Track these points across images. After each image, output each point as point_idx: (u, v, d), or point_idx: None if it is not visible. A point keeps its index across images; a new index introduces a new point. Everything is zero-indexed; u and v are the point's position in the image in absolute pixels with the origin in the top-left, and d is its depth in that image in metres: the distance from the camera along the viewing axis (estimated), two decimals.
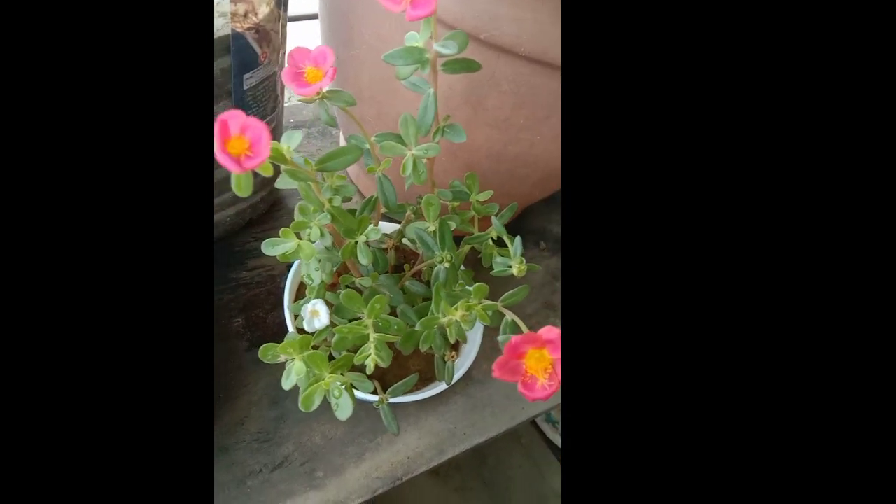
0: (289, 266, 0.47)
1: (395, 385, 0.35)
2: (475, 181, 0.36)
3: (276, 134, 0.45)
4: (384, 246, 0.40)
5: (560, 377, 0.25)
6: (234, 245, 0.47)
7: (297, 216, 0.31)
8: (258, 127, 0.20)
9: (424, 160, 0.32)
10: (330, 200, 0.29)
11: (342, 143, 0.55)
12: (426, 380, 0.42)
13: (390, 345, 0.39)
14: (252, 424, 0.41)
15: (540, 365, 0.25)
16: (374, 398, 0.35)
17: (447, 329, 0.30)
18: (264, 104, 0.38)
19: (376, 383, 0.37)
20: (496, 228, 0.34)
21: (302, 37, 0.54)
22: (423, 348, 0.32)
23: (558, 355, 0.25)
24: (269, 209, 0.49)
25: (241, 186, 0.21)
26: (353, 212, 0.34)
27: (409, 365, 0.42)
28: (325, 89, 0.28)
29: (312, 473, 0.40)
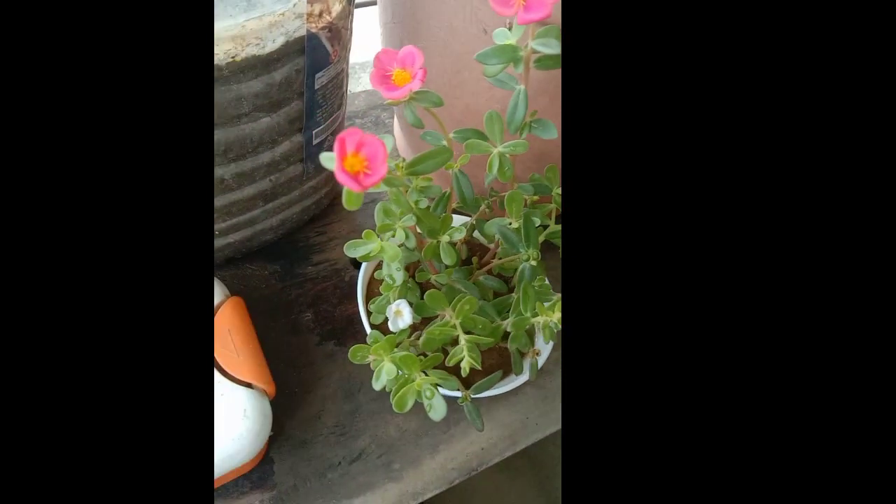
0: (352, 259, 0.47)
1: (480, 382, 0.35)
2: (555, 174, 0.36)
3: (341, 128, 0.45)
4: (455, 240, 0.40)
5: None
6: (297, 241, 0.48)
7: (379, 219, 0.31)
8: (374, 144, 0.19)
9: (509, 157, 0.31)
10: (416, 203, 0.29)
11: (396, 131, 0.55)
12: (505, 374, 0.42)
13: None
14: (328, 418, 0.41)
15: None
16: (458, 394, 0.35)
17: (542, 330, 0.30)
18: (332, 101, 0.38)
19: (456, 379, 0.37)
20: None
21: (358, 25, 0.54)
22: (512, 348, 0.32)
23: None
24: (331, 203, 0.48)
25: (351, 202, 0.21)
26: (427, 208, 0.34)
27: (484, 358, 0.42)
28: (414, 93, 0.27)
29: (390, 465, 0.40)
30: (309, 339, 0.44)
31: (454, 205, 0.36)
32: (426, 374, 0.31)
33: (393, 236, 0.31)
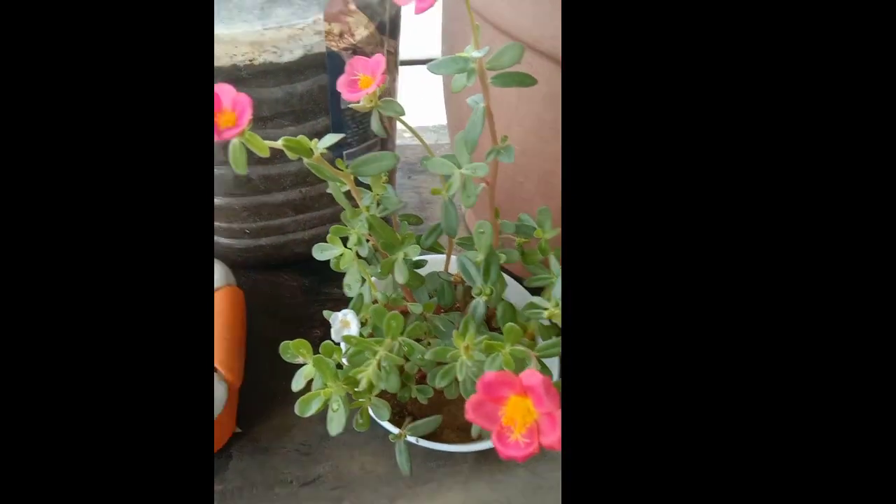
0: None
1: (416, 423, 0.32)
2: (548, 217, 0.33)
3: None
4: (453, 279, 0.38)
5: (546, 438, 0.20)
6: None
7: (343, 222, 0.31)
8: (244, 103, 0.20)
9: (479, 183, 0.30)
10: (367, 208, 0.29)
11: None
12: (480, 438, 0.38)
13: (436, 389, 0.36)
14: (298, 434, 0.41)
15: (521, 417, 0.21)
16: (394, 429, 0.32)
17: (457, 368, 0.27)
18: (366, 126, 0.40)
19: (408, 421, 0.35)
20: (553, 269, 0.30)
21: (417, 81, 0.56)
22: (440, 384, 0.29)
23: (543, 410, 0.20)
24: None
25: (236, 160, 0.22)
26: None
27: (459, 415, 0.39)
28: (380, 100, 0.28)
29: (339, 501, 0.38)
30: None
31: (456, 240, 0.35)
32: (353, 390, 0.29)
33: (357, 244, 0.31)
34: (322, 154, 0.26)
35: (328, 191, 0.30)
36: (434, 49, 0.49)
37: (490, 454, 0.41)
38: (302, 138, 0.25)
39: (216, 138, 0.20)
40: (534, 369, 0.20)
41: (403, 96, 0.47)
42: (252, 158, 0.38)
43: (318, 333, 0.46)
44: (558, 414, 0.20)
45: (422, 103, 0.57)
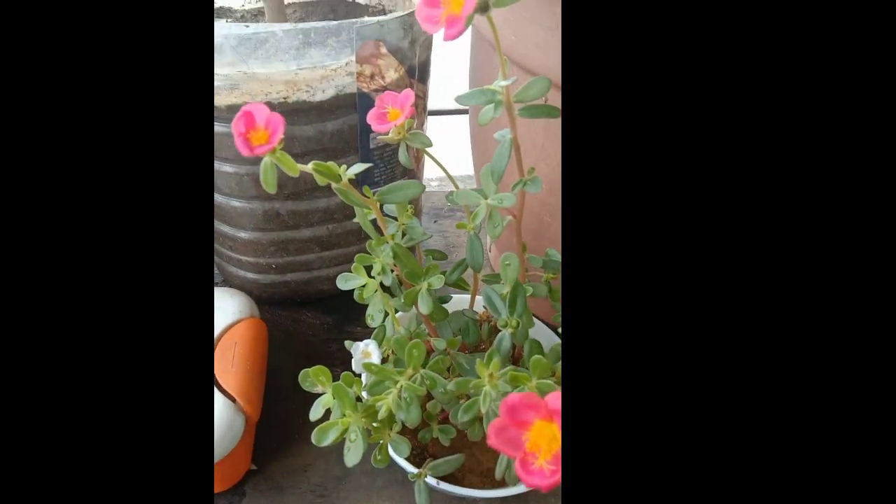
0: None
1: (438, 461, 0.31)
2: None
3: (416, 207, 0.48)
4: (478, 318, 0.38)
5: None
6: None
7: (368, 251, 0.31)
8: (277, 122, 0.21)
9: (506, 215, 0.30)
10: (393, 237, 0.29)
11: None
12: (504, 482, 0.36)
13: (461, 430, 0.35)
14: (314, 475, 0.39)
15: (546, 443, 0.20)
16: (412, 469, 0.31)
17: (483, 398, 0.26)
18: (393, 167, 0.41)
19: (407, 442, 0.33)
20: None
21: (445, 131, 0.58)
22: (463, 419, 0.28)
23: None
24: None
25: (267, 179, 0.22)
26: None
27: (484, 459, 0.37)
28: (408, 133, 0.29)
29: None
30: None
31: (482, 277, 0.35)
32: (374, 424, 0.29)
33: (380, 273, 0.31)
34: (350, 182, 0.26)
35: (355, 222, 0.30)
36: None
37: (514, 501, 0.39)
38: (331, 164, 0.25)
39: (248, 153, 0.21)
40: (559, 392, 0.19)
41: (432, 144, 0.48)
42: (281, 194, 0.39)
43: (339, 371, 0.45)
44: None
45: (449, 153, 0.59)
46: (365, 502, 0.38)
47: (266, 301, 0.47)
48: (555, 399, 0.19)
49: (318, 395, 0.35)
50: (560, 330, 0.32)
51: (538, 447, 0.20)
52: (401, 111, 0.28)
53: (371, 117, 0.29)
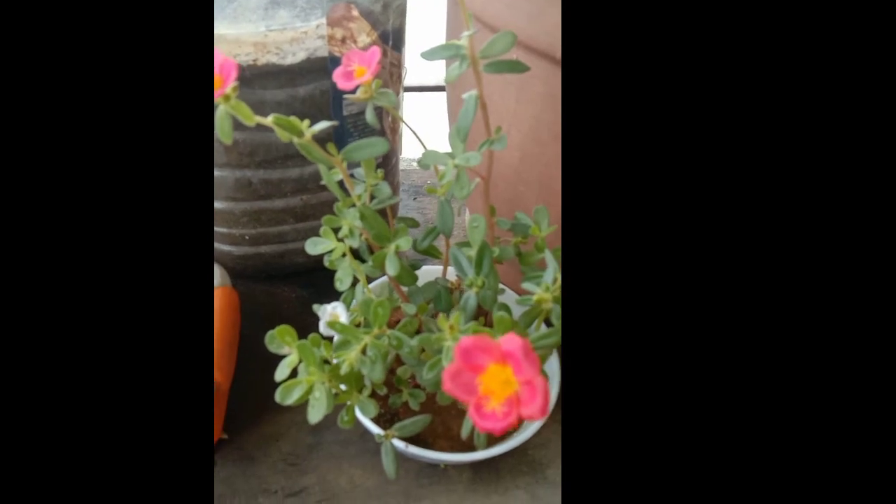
0: None
1: (405, 421, 0.31)
2: (544, 215, 0.33)
3: (391, 173, 0.47)
4: (450, 285, 0.38)
5: (526, 408, 0.19)
6: (333, 274, 0.49)
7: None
8: (231, 65, 0.21)
9: (474, 177, 0.30)
10: (359, 198, 0.29)
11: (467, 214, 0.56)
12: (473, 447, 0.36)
13: (431, 395, 0.35)
14: (286, 444, 0.39)
15: (499, 386, 0.20)
16: (378, 431, 0.31)
17: (444, 354, 0.26)
18: (367, 135, 0.40)
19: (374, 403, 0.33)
20: (548, 262, 0.30)
21: (426, 108, 0.58)
22: (427, 376, 0.28)
23: (523, 378, 0.19)
24: None
25: (222, 129, 0.22)
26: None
27: (452, 425, 0.37)
28: (375, 91, 0.29)
29: None
30: None
31: (454, 244, 0.34)
32: (333, 383, 0.29)
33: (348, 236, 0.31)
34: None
35: (330, 192, 0.30)
36: (442, 76, 0.50)
37: (486, 475, 0.39)
38: (293, 118, 0.25)
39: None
40: (514, 333, 0.19)
41: (410, 122, 0.48)
42: (253, 162, 0.39)
43: None
44: (539, 381, 0.19)
45: (428, 130, 0.58)
46: (336, 471, 0.38)
47: (240, 274, 0.46)
48: (508, 341, 0.19)
49: None
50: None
51: (492, 391, 0.20)
52: (367, 68, 0.28)
53: (337, 76, 0.29)
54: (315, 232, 0.45)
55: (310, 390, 0.27)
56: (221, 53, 0.21)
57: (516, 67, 0.26)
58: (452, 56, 0.26)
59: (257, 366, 0.42)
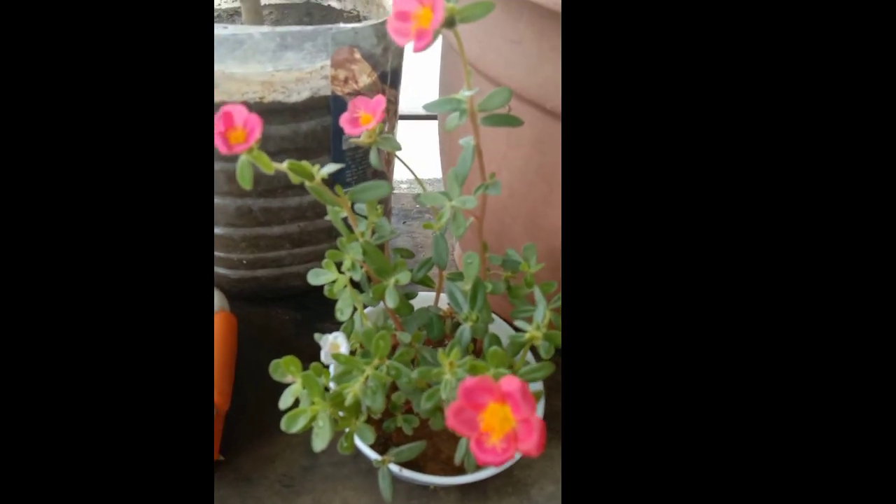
0: None
1: (402, 448, 0.33)
2: (533, 252, 0.35)
3: (386, 207, 0.49)
4: (442, 314, 0.39)
5: (524, 444, 0.21)
6: (327, 298, 0.51)
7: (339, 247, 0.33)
8: (255, 122, 0.22)
9: (469, 216, 0.32)
10: (362, 234, 0.31)
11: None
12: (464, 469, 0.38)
13: (423, 420, 0.36)
14: (281, 465, 0.40)
15: (499, 423, 0.21)
16: (375, 456, 0.33)
17: (442, 387, 0.28)
18: (363, 168, 0.42)
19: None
20: (537, 299, 0.32)
21: (415, 136, 0.60)
22: (425, 406, 0.29)
23: (521, 416, 0.21)
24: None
25: (243, 176, 0.24)
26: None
27: (444, 449, 0.39)
28: (379, 136, 0.31)
29: None
30: None
31: (446, 275, 0.36)
32: (339, 412, 0.30)
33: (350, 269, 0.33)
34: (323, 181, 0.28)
35: (326, 220, 0.32)
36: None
37: (473, 496, 0.40)
38: (305, 163, 0.27)
39: (226, 151, 0.22)
40: (513, 376, 0.21)
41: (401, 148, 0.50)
42: (254, 191, 0.40)
43: (308, 365, 0.46)
44: (535, 420, 0.21)
45: (419, 156, 0.61)
46: (331, 492, 0.40)
47: (236, 296, 0.48)
48: (508, 383, 0.21)
49: (286, 386, 0.37)
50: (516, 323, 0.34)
51: (492, 427, 0.21)
52: (372, 116, 0.30)
53: (344, 121, 0.31)
54: (311, 257, 0.47)
55: (313, 419, 0.29)
56: (242, 107, 0.23)
57: (512, 122, 0.29)
58: (454, 109, 0.28)
59: (253, 387, 0.43)
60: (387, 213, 0.52)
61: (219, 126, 0.22)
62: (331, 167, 0.28)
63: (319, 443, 0.28)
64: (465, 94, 0.27)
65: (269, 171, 0.24)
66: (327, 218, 0.32)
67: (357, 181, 0.43)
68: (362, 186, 0.29)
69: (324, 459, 0.41)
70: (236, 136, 0.22)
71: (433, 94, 0.48)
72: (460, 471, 0.36)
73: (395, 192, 0.64)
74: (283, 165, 0.26)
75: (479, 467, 0.36)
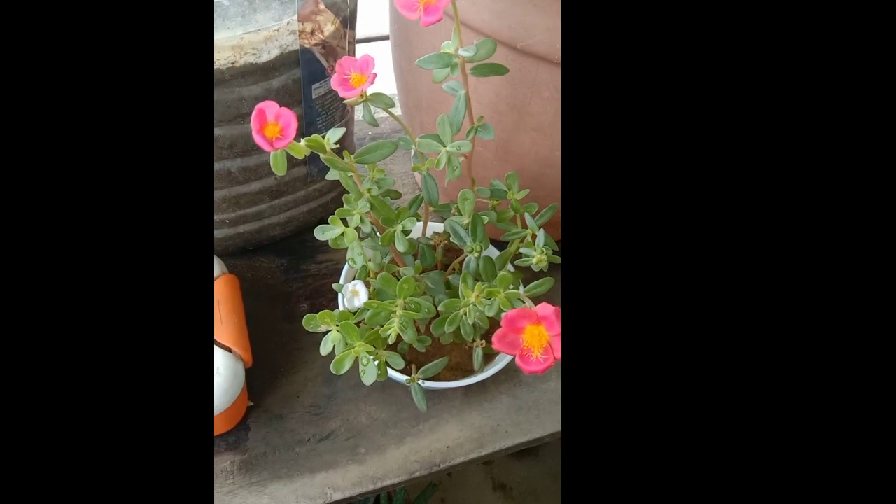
0: None
1: (427, 366, 0.38)
2: (515, 180, 0.39)
3: (346, 142, 0.50)
4: (432, 243, 0.43)
5: (557, 353, 0.26)
6: (306, 240, 0.53)
7: (344, 205, 0.35)
8: (288, 116, 0.24)
9: (460, 157, 0.35)
10: (369, 190, 0.33)
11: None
12: (468, 372, 0.44)
13: (429, 334, 0.41)
14: (306, 398, 0.45)
15: (537, 340, 0.26)
16: (404, 378, 0.38)
17: (467, 313, 0.32)
18: (332, 112, 0.43)
19: (413, 367, 0.40)
20: (530, 225, 0.36)
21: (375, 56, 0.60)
22: (448, 331, 0.34)
23: (554, 332, 0.26)
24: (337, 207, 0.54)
25: (277, 165, 0.25)
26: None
27: (451, 357, 0.45)
28: (369, 93, 0.32)
29: (355, 449, 0.43)
30: (300, 327, 0.48)
31: (433, 209, 0.39)
32: (374, 348, 0.34)
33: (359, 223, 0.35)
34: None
35: (299, 169, 0.33)
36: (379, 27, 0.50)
37: (475, 390, 0.47)
38: (317, 137, 0.28)
39: (269, 149, 0.24)
40: (546, 303, 0.26)
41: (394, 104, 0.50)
42: (231, 153, 0.41)
43: (305, 307, 0.49)
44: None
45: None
46: (356, 411, 0.45)
47: (221, 254, 0.49)
48: (543, 308, 0.26)
49: (287, 331, 0.40)
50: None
51: (532, 345, 0.27)
52: (364, 76, 0.31)
53: (335, 83, 0.32)
54: (290, 205, 0.48)
55: (355, 359, 0.33)
56: (273, 102, 0.24)
57: (498, 71, 0.31)
58: (445, 65, 0.30)
59: (260, 337, 0.46)
60: (351, 145, 0.53)
61: (254, 126, 0.23)
62: (335, 133, 0.30)
63: (369, 377, 0.32)
64: (459, 51, 0.29)
65: (300, 156, 0.26)
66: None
67: (328, 127, 0.44)
68: (367, 148, 0.31)
69: (342, 385, 0.46)
70: (271, 131, 0.24)
71: (382, 10, 0.48)
72: (465, 374, 0.42)
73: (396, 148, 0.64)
74: (302, 143, 0.28)
75: (482, 369, 0.42)
